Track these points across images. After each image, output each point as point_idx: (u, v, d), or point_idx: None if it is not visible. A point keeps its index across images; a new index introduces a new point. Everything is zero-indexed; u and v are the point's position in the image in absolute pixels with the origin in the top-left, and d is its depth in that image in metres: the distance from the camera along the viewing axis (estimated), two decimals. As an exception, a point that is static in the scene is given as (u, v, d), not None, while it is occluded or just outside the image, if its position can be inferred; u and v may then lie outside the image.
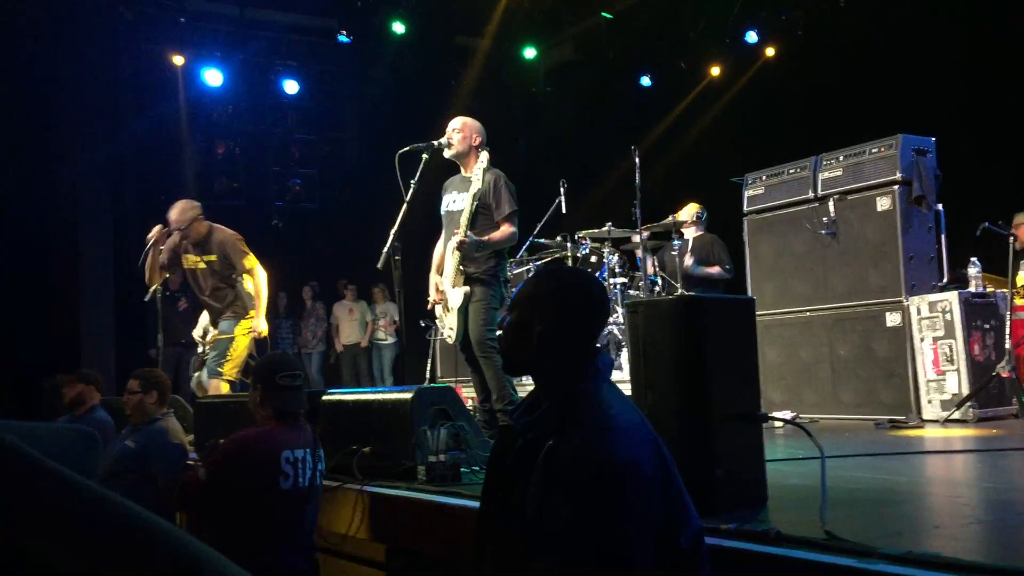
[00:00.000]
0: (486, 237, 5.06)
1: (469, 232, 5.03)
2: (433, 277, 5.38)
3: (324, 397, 4.62)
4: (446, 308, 5.25)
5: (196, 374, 7.87)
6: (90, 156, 11.19)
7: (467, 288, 5.11)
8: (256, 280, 6.64)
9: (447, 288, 5.21)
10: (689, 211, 7.84)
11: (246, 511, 3.56)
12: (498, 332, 4.95)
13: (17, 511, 0.74)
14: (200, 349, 8.02)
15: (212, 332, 7.98)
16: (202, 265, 6.68)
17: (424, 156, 5.23)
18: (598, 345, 2.14)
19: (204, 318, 8.12)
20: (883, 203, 6.47)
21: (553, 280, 2.17)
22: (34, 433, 0.78)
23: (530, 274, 8.21)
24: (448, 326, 5.25)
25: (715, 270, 7.60)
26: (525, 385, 7.50)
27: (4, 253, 10.10)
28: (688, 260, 7.48)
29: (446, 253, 5.25)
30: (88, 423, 5.81)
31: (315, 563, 3.81)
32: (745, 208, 7.47)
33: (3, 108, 10.09)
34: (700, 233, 7.86)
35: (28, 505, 0.74)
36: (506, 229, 5.14)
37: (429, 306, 5.43)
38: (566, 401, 1.96)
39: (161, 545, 0.76)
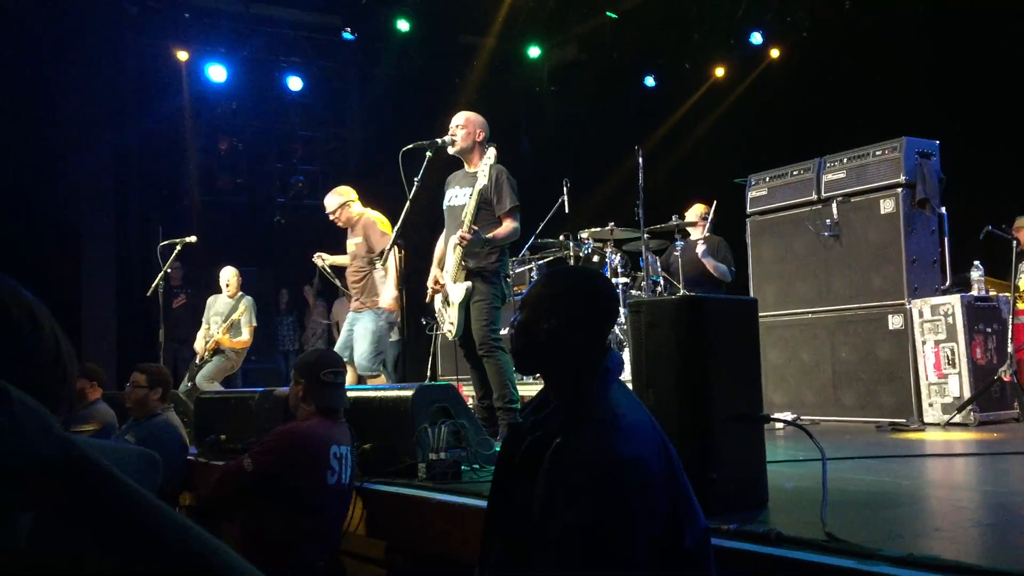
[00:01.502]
0: (489, 234, 5.06)
1: (473, 227, 5.03)
2: (434, 270, 5.38)
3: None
4: (446, 302, 5.25)
5: (189, 381, 7.96)
6: (93, 151, 11.19)
7: (468, 283, 5.10)
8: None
9: (448, 283, 5.20)
10: (696, 211, 7.83)
11: (291, 505, 3.53)
12: (504, 330, 4.96)
13: (90, 522, 0.76)
14: (200, 356, 8.10)
15: (211, 340, 8.05)
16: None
17: (427, 154, 5.22)
18: (609, 344, 2.14)
19: (202, 330, 8.20)
20: (886, 206, 6.47)
21: (562, 280, 2.18)
22: (100, 451, 0.80)
23: (532, 272, 8.22)
24: (448, 320, 5.25)
25: (722, 266, 7.59)
26: (526, 384, 7.50)
27: (6, 248, 10.09)
28: (701, 247, 7.43)
29: (448, 248, 5.25)
30: (90, 416, 5.85)
31: (340, 563, 3.80)
32: (748, 209, 7.47)
33: (7, 103, 10.10)
34: (707, 235, 7.85)
35: (101, 517, 0.76)
36: (508, 224, 5.13)
37: (427, 298, 5.43)
38: (575, 399, 1.97)
39: (221, 562, 0.78)
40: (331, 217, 6.75)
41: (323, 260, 6.96)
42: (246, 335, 8.24)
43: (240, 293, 8.39)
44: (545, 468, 1.88)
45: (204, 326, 8.25)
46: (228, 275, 8.41)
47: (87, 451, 0.78)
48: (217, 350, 8.14)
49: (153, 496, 0.80)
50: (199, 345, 8.17)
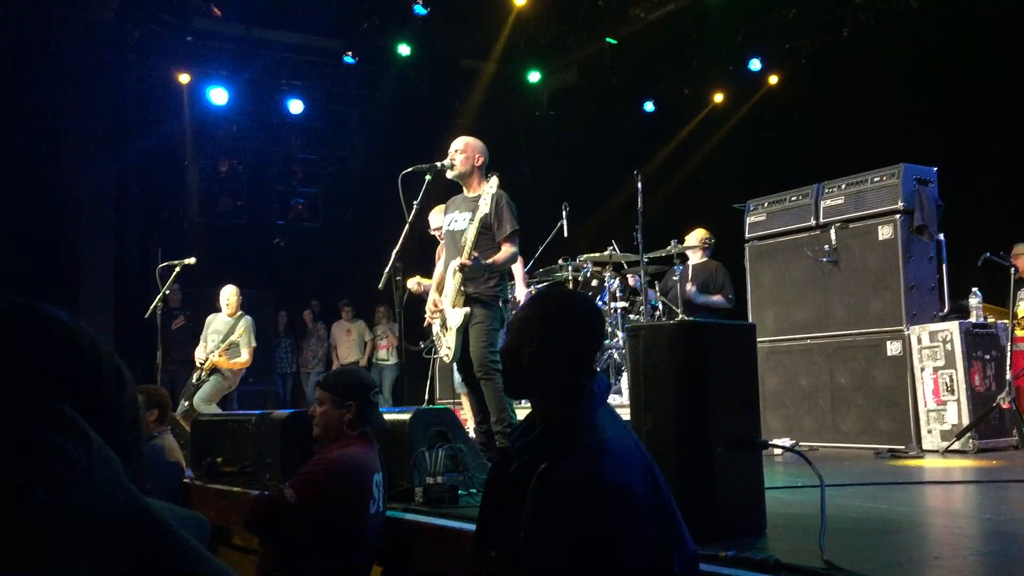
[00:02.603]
0: (489, 260, 5.05)
1: (473, 253, 5.03)
2: (432, 295, 5.37)
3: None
4: (444, 327, 5.24)
5: (185, 401, 7.90)
6: (94, 172, 11.22)
7: (467, 309, 5.09)
8: None
9: (447, 308, 5.20)
10: (697, 236, 7.84)
11: (335, 537, 3.37)
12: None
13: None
14: (196, 375, 8.04)
15: (211, 358, 7.98)
16: None
17: (427, 177, 5.23)
18: (596, 368, 2.13)
19: (200, 347, 8.14)
20: (884, 232, 6.48)
21: (543, 303, 2.17)
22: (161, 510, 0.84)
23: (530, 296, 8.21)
24: (446, 345, 5.24)
25: (717, 298, 7.60)
26: (525, 408, 7.48)
27: (5, 269, 10.10)
28: (690, 288, 7.48)
29: (447, 273, 5.25)
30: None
31: None
32: (747, 234, 7.48)
33: (9, 124, 10.13)
34: (705, 259, 7.86)
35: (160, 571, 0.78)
36: (507, 249, 5.13)
37: (426, 323, 5.42)
38: (561, 424, 1.96)
39: None
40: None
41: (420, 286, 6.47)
42: (245, 356, 8.15)
43: (240, 312, 8.31)
44: (531, 493, 1.87)
45: (202, 343, 8.20)
46: (228, 294, 8.32)
47: (151, 505, 0.79)
48: (215, 370, 8.08)
49: (212, 557, 0.81)
50: (199, 355, 8.09)
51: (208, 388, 8.00)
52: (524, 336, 2.05)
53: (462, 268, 5.00)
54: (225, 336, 8.10)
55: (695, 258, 7.81)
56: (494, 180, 5.16)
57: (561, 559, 1.74)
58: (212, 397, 8.00)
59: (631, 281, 7.97)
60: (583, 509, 1.77)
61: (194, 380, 8.08)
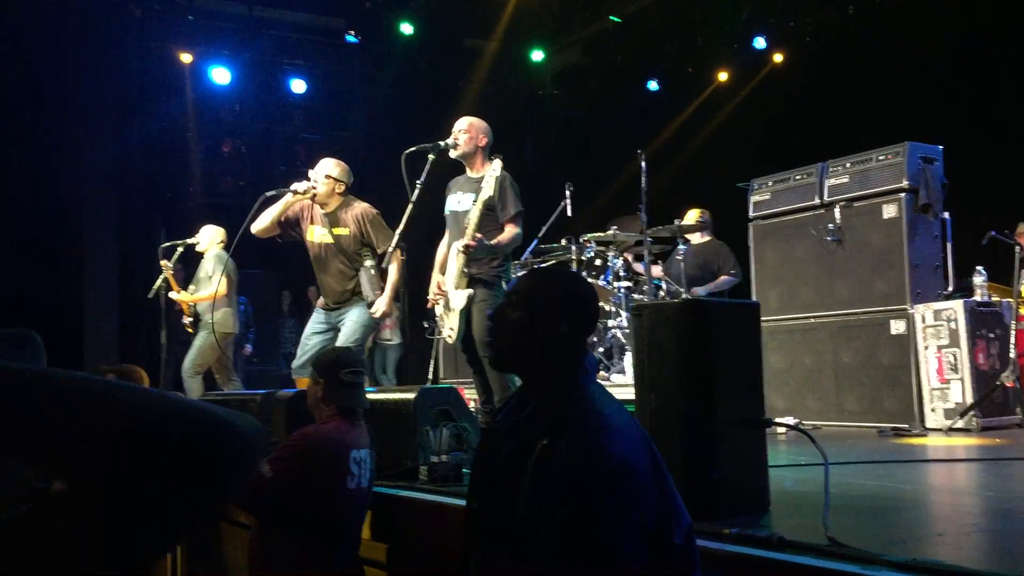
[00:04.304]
0: (493, 241, 5.05)
1: (476, 235, 5.02)
2: (435, 276, 5.37)
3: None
4: (447, 308, 5.25)
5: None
6: (96, 153, 11.21)
7: (470, 290, 5.10)
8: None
9: (450, 289, 5.20)
10: (692, 217, 7.83)
11: (312, 510, 3.46)
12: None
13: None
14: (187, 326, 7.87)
15: (178, 297, 7.63)
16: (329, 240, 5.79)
17: (430, 156, 5.22)
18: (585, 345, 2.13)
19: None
20: (889, 211, 6.46)
21: (530, 277, 2.15)
22: None
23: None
24: (449, 326, 5.24)
25: (722, 279, 7.58)
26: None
27: (9, 250, 10.11)
28: (697, 289, 7.45)
29: (450, 254, 5.24)
30: None
31: (359, 566, 3.76)
32: (751, 213, 7.46)
33: (10, 105, 10.12)
34: (707, 239, 7.83)
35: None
36: (511, 230, 5.12)
37: (429, 304, 5.42)
38: (559, 401, 1.95)
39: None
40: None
41: None
42: (214, 287, 7.34)
43: (216, 250, 7.84)
44: (531, 471, 1.87)
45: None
46: (203, 233, 7.89)
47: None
48: (196, 322, 7.71)
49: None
50: (173, 295, 7.72)
51: (192, 353, 7.58)
52: (508, 304, 2.05)
53: (466, 249, 4.99)
54: (197, 275, 7.77)
55: (695, 238, 7.79)
56: (497, 163, 5.14)
57: (565, 535, 1.75)
58: (197, 364, 7.57)
59: (630, 258, 7.93)
60: (587, 484, 1.77)
61: (185, 324, 7.75)
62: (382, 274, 5.65)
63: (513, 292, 2.09)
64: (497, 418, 2.15)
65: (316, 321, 5.82)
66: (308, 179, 5.72)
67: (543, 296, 2.06)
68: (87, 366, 8.24)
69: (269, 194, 5.72)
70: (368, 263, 5.63)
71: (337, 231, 5.70)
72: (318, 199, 5.71)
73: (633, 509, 1.79)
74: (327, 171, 5.72)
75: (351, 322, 5.63)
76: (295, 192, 5.66)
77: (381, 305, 5.56)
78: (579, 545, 1.74)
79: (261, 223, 5.77)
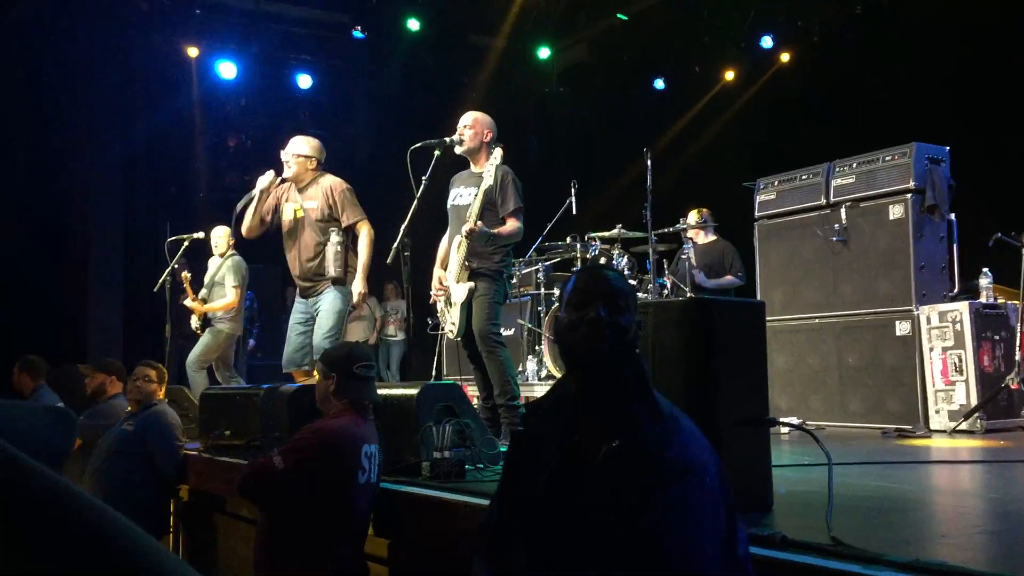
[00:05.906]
0: (495, 230, 5.06)
1: (479, 222, 5.02)
2: (437, 271, 5.38)
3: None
4: (448, 303, 5.25)
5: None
6: (102, 148, 11.24)
7: (471, 284, 5.10)
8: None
9: (451, 283, 5.20)
10: (693, 217, 7.82)
11: (321, 505, 3.46)
12: (508, 331, 4.93)
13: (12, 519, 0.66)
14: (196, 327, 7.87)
15: (192, 304, 7.66)
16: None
17: (435, 152, 5.23)
18: None
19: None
20: (895, 211, 6.45)
21: (621, 278, 2.11)
22: (12, 412, 0.73)
23: (539, 274, 8.19)
24: (451, 321, 5.25)
25: (727, 279, 7.57)
26: (529, 384, 7.49)
27: (16, 244, 10.13)
28: (699, 275, 7.44)
29: (451, 248, 5.25)
30: (107, 409, 6.00)
31: (364, 562, 3.76)
32: (756, 213, 7.45)
33: (16, 100, 10.13)
34: (712, 239, 7.82)
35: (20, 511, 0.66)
36: (512, 224, 5.13)
37: (431, 300, 5.43)
38: (635, 400, 1.91)
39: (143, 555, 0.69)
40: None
41: None
42: (230, 297, 7.62)
43: (231, 253, 7.85)
44: (603, 471, 1.82)
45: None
46: (217, 234, 7.88)
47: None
48: (206, 322, 7.69)
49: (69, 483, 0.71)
50: (187, 302, 7.74)
51: (199, 348, 7.59)
52: (627, 306, 1.99)
53: (469, 233, 4.98)
54: (211, 278, 7.77)
55: (699, 239, 7.78)
56: (498, 152, 5.14)
57: (648, 536, 1.72)
58: (202, 359, 7.59)
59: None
60: (669, 486, 1.75)
61: (194, 327, 7.78)
62: (351, 250, 5.81)
63: (620, 295, 2.00)
64: (536, 416, 2.10)
65: (297, 311, 6.01)
66: (271, 170, 5.90)
67: (612, 291, 2.00)
68: (91, 359, 8.24)
69: (239, 206, 5.87)
70: (335, 238, 5.74)
71: (307, 204, 5.85)
72: (294, 177, 5.87)
73: (709, 514, 1.78)
74: (296, 150, 5.89)
75: (324, 312, 5.78)
76: (262, 192, 5.83)
77: (357, 287, 5.72)
78: (661, 547, 1.71)
79: (247, 225, 5.93)
